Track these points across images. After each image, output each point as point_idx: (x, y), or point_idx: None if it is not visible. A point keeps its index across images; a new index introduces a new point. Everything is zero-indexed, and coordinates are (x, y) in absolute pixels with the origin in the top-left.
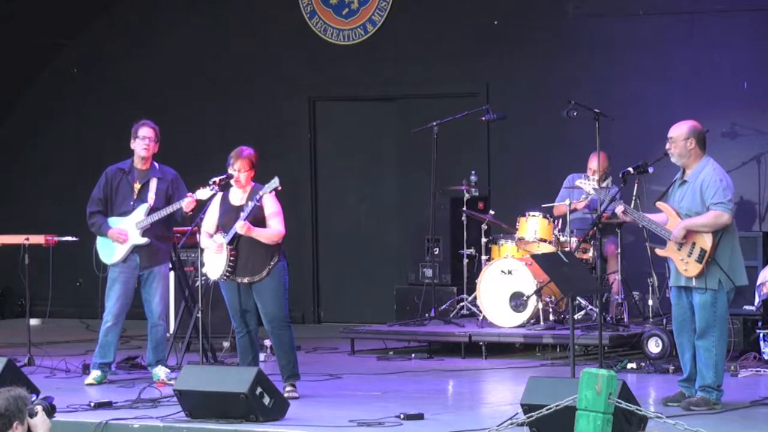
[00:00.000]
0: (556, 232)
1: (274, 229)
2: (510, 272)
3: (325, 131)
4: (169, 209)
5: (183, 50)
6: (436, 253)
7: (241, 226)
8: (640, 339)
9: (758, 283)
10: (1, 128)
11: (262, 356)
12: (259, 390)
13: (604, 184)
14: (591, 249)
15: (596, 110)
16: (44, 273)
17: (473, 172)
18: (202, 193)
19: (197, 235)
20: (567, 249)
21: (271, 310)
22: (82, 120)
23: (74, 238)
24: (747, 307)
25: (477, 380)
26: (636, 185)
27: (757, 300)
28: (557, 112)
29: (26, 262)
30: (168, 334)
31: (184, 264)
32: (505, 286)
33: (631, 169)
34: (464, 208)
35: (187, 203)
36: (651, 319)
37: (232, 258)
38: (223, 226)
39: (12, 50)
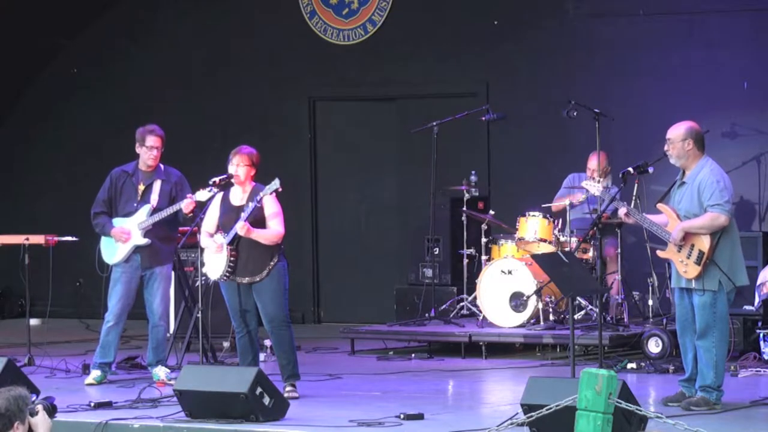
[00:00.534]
0: (556, 232)
1: (273, 230)
2: (510, 272)
3: (325, 131)
4: (169, 210)
5: (183, 50)
6: (436, 253)
7: (240, 227)
8: (640, 339)
9: (758, 283)
10: (1, 128)
11: (262, 356)
12: (259, 390)
13: (603, 184)
14: (591, 249)
15: (596, 110)
16: (44, 273)
17: (473, 172)
18: (202, 195)
19: (197, 235)
20: (567, 249)
21: (271, 311)
22: (82, 120)
23: (74, 238)
24: (747, 307)
25: (477, 380)
26: (636, 185)
27: (757, 300)
28: (557, 112)
29: (26, 262)
30: (168, 334)
31: (184, 264)
32: (505, 286)
33: (631, 169)
34: (464, 208)
35: (186, 204)
36: (651, 319)
37: (232, 258)
38: (224, 225)
39: (12, 50)
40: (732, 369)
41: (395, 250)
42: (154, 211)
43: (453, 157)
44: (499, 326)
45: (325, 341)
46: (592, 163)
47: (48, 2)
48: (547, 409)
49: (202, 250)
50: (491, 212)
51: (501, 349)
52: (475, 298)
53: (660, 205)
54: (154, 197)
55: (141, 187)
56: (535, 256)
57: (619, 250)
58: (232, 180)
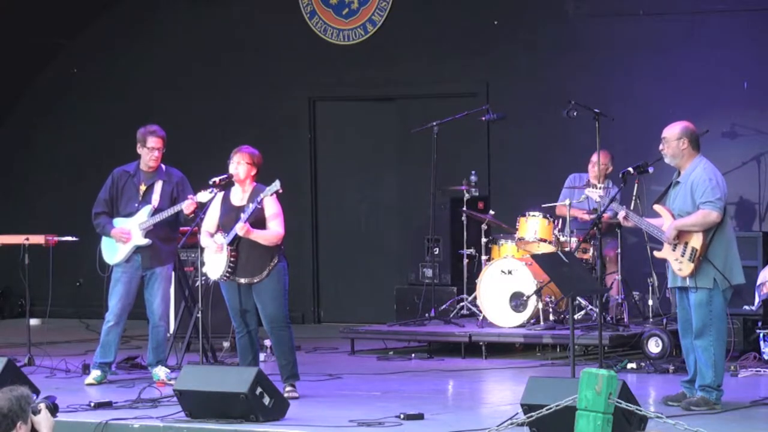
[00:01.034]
0: (556, 232)
1: (273, 230)
2: (510, 272)
3: (325, 131)
4: (171, 211)
5: (183, 50)
6: (436, 253)
7: (240, 228)
8: (640, 339)
9: (758, 283)
10: (1, 128)
11: (262, 356)
12: (259, 390)
13: (603, 184)
14: (591, 249)
15: (596, 110)
16: (44, 273)
17: (473, 172)
18: (203, 196)
19: (197, 235)
20: (567, 249)
21: (270, 311)
22: (82, 120)
23: (74, 238)
24: (747, 307)
25: (477, 380)
26: (636, 185)
27: (757, 300)
28: (557, 112)
29: (26, 262)
30: (168, 334)
31: (184, 264)
32: (505, 286)
33: (631, 169)
34: (464, 208)
35: (187, 205)
36: (651, 319)
37: (232, 258)
38: (224, 225)
39: (12, 50)
40: (732, 369)
41: (395, 250)
42: (156, 211)
43: (453, 157)
44: (499, 326)
45: (325, 341)
46: (595, 157)
47: (48, 2)
48: (547, 409)
49: (202, 249)
50: (491, 212)
51: (501, 349)
52: (475, 298)
53: (656, 206)
54: (156, 198)
55: (142, 188)
56: (535, 256)
57: (619, 251)
58: (233, 180)
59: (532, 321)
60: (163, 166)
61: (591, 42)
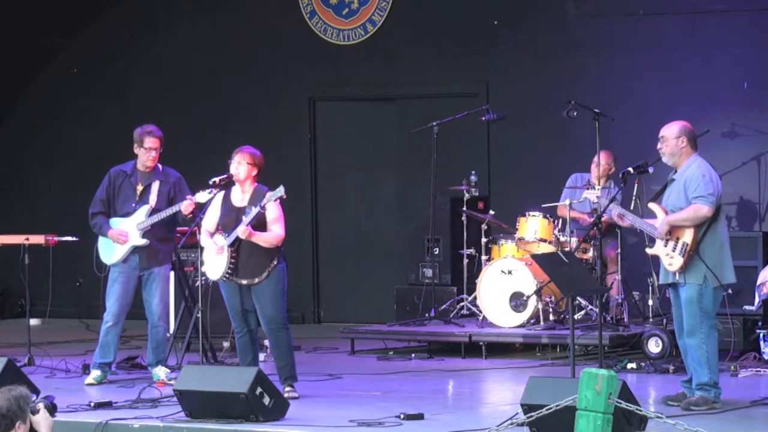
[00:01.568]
0: (556, 232)
1: (274, 233)
2: (510, 272)
3: (325, 131)
4: (169, 211)
5: (183, 50)
6: (436, 253)
7: (242, 231)
8: (640, 339)
9: (758, 283)
10: (1, 128)
11: (262, 356)
12: (259, 390)
13: (605, 185)
14: (591, 249)
15: (596, 110)
16: (44, 273)
17: (473, 172)
18: (202, 197)
19: (197, 235)
20: (567, 249)
21: (269, 312)
22: (82, 120)
23: (74, 238)
24: (747, 307)
25: (477, 380)
26: (636, 185)
27: (757, 300)
28: (557, 112)
29: (26, 262)
30: (168, 334)
31: (184, 264)
32: (505, 286)
33: (631, 169)
34: (464, 208)
35: (185, 206)
36: (651, 319)
37: (232, 259)
38: (224, 226)
39: (12, 50)
40: (732, 369)
41: (395, 250)
42: (153, 211)
43: (453, 157)
44: (499, 326)
45: (325, 341)
46: (597, 158)
47: (48, 2)
48: (547, 409)
49: (202, 249)
50: (491, 212)
51: (501, 349)
52: (475, 298)
53: (650, 204)
54: (153, 198)
55: (139, 188)
56: (535, 256)
57: (619, 251)
58: (233, 180)
59: (532, 321)
60: (160, 166)
61: (591, 42)
